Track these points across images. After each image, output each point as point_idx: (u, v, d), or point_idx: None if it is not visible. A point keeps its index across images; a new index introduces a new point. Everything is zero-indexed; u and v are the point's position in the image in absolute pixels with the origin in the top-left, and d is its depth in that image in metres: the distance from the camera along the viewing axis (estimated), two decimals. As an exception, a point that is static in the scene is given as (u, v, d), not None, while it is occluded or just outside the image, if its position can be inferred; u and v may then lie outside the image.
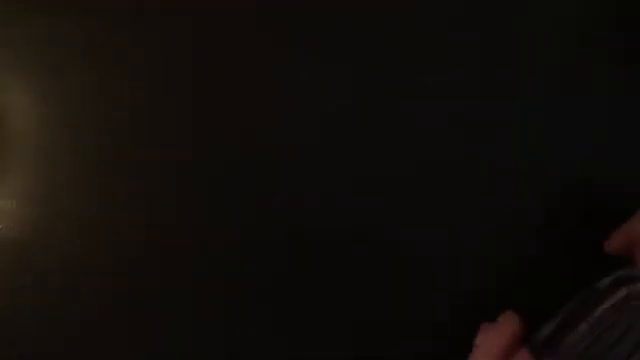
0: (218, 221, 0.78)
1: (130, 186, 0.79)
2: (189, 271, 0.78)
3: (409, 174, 0.79)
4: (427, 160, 0.79)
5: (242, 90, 0.80)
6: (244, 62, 0.81)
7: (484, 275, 0.78)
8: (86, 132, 0.79)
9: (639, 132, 0.80)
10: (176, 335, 0.77)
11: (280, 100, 0.80)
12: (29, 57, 0.81)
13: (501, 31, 0.81)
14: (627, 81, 0.80)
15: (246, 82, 0.80)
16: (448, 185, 0.79)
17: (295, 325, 0.77)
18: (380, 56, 0.81)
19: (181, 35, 0.81)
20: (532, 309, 0.67)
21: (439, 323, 0.77)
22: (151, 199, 0.78)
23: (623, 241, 0.71)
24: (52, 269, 0.77)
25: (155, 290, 0.77)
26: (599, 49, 0.81)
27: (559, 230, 0.78)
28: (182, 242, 0.78)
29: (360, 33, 0.81)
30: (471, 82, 0.81)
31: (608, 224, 0.77)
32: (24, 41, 0.81)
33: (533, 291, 0.77)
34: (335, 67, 0.81)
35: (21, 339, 0.77)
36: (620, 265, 0.71)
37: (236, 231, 0.78)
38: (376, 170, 0.79)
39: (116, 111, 0.80)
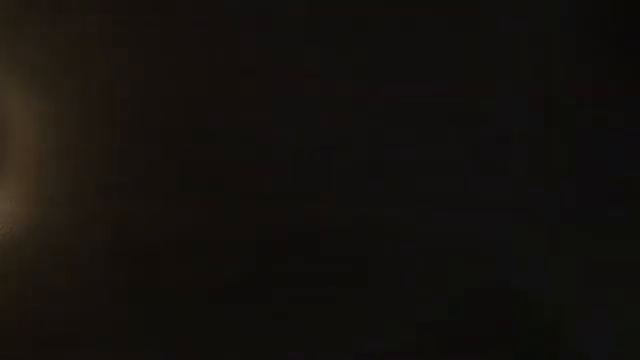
0: (218, 221, 0.78)
1: (130, 186, 0.79)
2: (189, 271, 0.78)
3: (409, 173, 0.79)
4: (428, 159, 0.79)
5: (242, 89, 0.80)
6: (245, 61, 0.81)
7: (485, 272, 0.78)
8: (86, 132, 0.79)
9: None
10: (176, 334, 0.77)
11: (280, 100, 0.80)
12: (30, 57, 0.80)
13: (500, 31, 0.82)
14: (627, 81, 0.81)
15: (246, 82, 0.80)
16: (449, 184, 0.79)
17: (295, 325, 0.77)
18: (380, 57, 0.81)
19: (182, 35, 0.81)
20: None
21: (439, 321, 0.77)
22: (151, 199, 0.78)
23: None
24: (52, 269, 0.77)
25: (156, 289, 0.77)
26: (599, 49, 0.81)
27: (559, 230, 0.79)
28: (182, 242, 0.78)
29: (360, 33, 0.81)
30: (470, 81, 0.81)
31: (607, 221, 0.78)
32: (25, 41, 0.81)
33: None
34: (334, 69, 0.81)
35: (22, 339, 0.76)
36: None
37: (236, 231, 0.78)
38: (377, 170, 0.79)
39: (116, 111, 0.80)
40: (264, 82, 0.80)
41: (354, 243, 0.78)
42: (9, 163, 0.79)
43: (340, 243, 0.78)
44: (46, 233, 0.78)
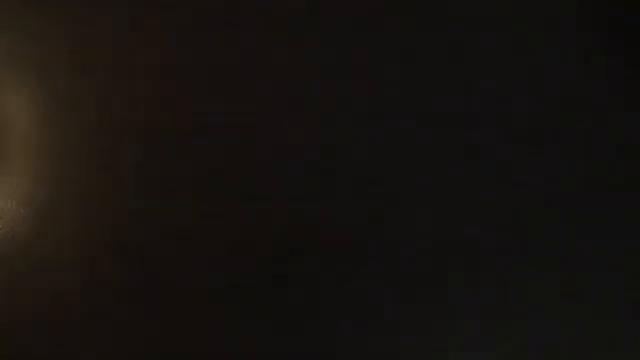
0: (218, 221, 0.78)
1: (130, 186, 0.79)
2: (189, 271, 0.78)
3: (409, 173, 0.79)
4: (428, 159, 0.79)
5: (243, 90, 0.80)
6: (245, 61, 0.81)
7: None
8: (86, 132, 0.79)
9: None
10: (176, 335, 0.77)
11: (280, 100, 0.80)
12: (29, 57, 0.81)
13: (500, 31, 0.82)
14: (626, 80, 0.81)
15: (246, 82, 0.81)
16: (449, 184, 0.79)
17: (294, 325, 0.77)
18: (379, 57, 0.81)
19: (181, 35, 0.81)
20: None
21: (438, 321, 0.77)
22: (151, 199, 0.78)
23: None
24: (52, 269, 0.77)
25: (156, 290, 0.77)
26: (599, 49, 0.81)
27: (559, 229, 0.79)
28: (183, 242, 0.78)
29: (360, 33, 0.81)
30: (469, 82, 0.81)
31: (607, 221, 0.78)
32: (24, 41, 0.81)
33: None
34: (335, 70, 0.81)
35: (21, 339, 0.77)
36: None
37: (236, 231, 0.78)
38: (377, 170, 0.79)
39: (116, 111, 0.80)
40: (264, 82, 0.81)
41: (354, 243, 0.78)
42: (9, 163, 0.79)
43: (340, 243, 0.78)
44: (46, 233, 0.78)
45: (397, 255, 0.78)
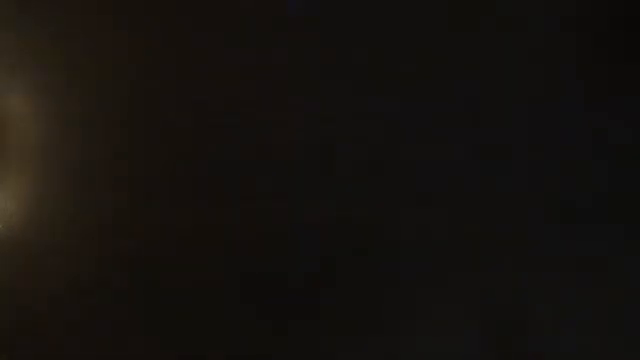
0: (218, 221, 0.78)
1: (130, 186, 0.79)
2: (189, 271, 0.78)
3: (409, 173, 0.79)
4: (428, 159, 0.79)
5: (242, 90, 0.80)
6: (245, 61, 0.81)
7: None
8: (86, 132, 0.79)
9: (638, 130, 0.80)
10: (176, 335, 0.77)
11: (280, 100, 0.80)
12: (29, 57, 0.81)
13: (500, 31, 0.82)
14: (627, 81, 0.81)
15: (246, 82, 0.81)
16: (449, 184, 0.79)
17: (294, 325, 0.77)
18: (380, 58, 0.81)
19: (182, 35, 0.81)
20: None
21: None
22: (151, 199, 0.78)
23: None
24: (52, 269, 0.77)
25: (155, 290, 0.77)
26: (599, 49, 0.81)
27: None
28: (182, 242, 0.78)
29: (361, 33, 0.81)
30: (471, 82, 0.81)
31: (607, 221, 0.78)
32: (24, 41, 0.81)
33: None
34: (335, 70, 0.81)
35: (21, 339, 0.77)
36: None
37: (236, 231, 0.78)
38: (377, 170, 0.79)
39: (116, 111, 0.80)
40: (264, 82, 0.81)
41: (353, 243, 0.78)
42: (9, 162, 0.79)
43: (340, 243, 0.78)
44: (45, 233, 0.78)
45: (397, 255, 0.78)
